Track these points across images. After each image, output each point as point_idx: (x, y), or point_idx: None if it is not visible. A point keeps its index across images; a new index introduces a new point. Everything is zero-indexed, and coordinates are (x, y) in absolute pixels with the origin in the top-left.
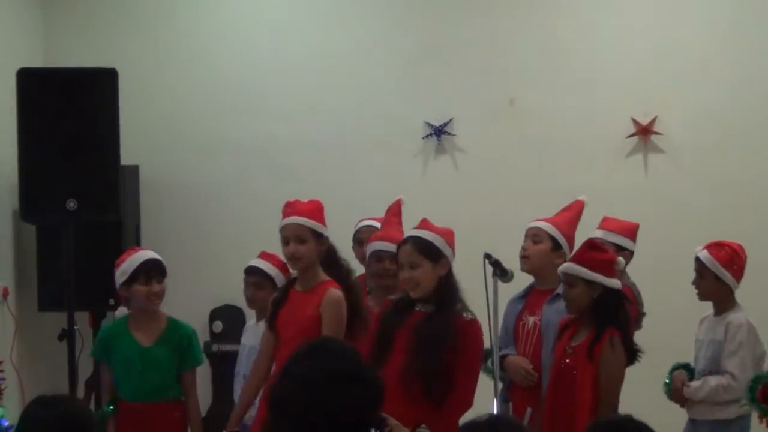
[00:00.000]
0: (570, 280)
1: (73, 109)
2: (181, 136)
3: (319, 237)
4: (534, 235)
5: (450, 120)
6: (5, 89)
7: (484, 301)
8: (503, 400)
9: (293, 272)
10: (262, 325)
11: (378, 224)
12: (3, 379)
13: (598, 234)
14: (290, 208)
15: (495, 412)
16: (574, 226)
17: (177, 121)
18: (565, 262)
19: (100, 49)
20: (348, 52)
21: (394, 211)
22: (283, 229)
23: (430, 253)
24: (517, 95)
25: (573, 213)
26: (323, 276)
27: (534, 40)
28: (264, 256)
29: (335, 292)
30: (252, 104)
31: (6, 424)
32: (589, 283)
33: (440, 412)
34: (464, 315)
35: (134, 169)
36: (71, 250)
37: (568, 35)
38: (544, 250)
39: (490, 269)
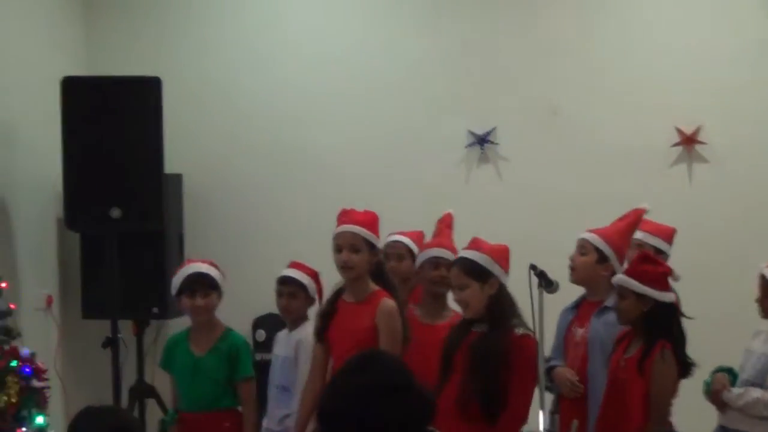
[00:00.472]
0: (622, 291)
1: (117, 118)
2: (225, 144)
3: (372, 248)
4: (581, 247)
5: (493, 129)
6: (50, 98)
7: (531, 312)
8: (552, 412)
9: (341, 281)
10: (294, 334)
11: (406, 239)
12: (48, 387)
13: (638, 236)
14: (346, 217)
15: (542, 424)
16: (626, 237)
17: (220, 130)
18: (613, 273)
19: (143, 57)
20: (392, 60)
21: (447, 223)
22: (338, 237)
23: (477, 273)
24: (560, 104)
25: (626, 223)
26: (373, 287)
27: (577, 48)
28: (295, 265)
29: (390, 303)
30: (296, 112)
31: None
32: (640, 296)
33: (495, 429)
34: (516, 331)
35: (177, 178)
36: (115, 258)
37: (611, 44)
38: (589, 262)
39: (535, 280)
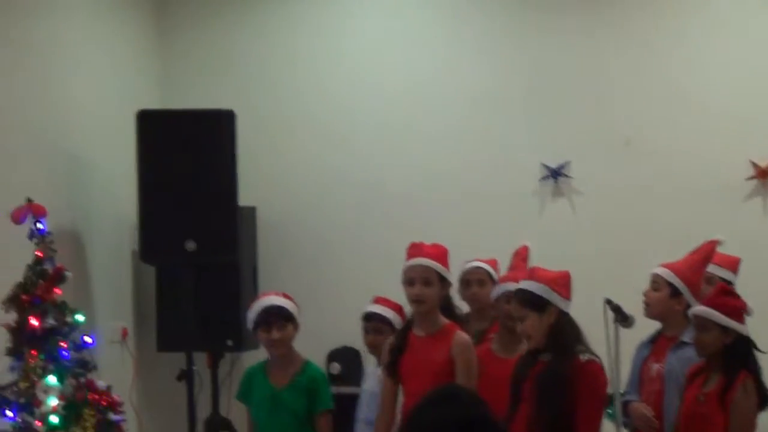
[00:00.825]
0: (703, 323)
1: (191, 151)
2: (298, 177)
3: (443, 281)
4: (654, 282)
5: (567, 162)
6: (125, 131)
7: (605, 346)
8: None
9: (408, 314)
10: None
11: (486, 266)
12: (124, 420)
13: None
14: (416, 250)
15: None
16: (699, 270)
17: (294, 162)
18: (688, 307)
19: (217, 90)
20: (467, 94)
21: (522, 256)
22: (409, 270)
23: (535, 304)
24: (633, 136)
25: (700, 256)
26: (444, 320)
27: (650, 79)
28: (380, 300)
29: (465, 336)
30: (369, 146)
31: None
32: (723, 328)
33: None
34: (581, 357)
35: (251, 211)
36: (190, 291)
37: (684, 75)
38: (662, 297)
39: (610, 314)
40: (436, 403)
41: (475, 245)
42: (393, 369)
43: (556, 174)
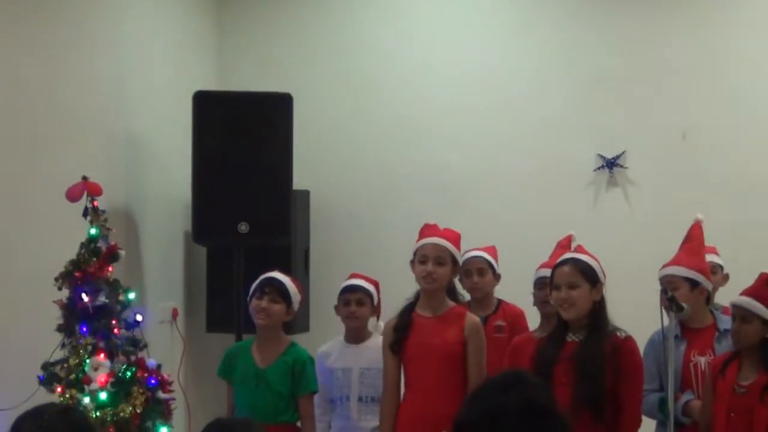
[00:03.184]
0: (745, 314)
1: (247, 133)
2: (352, 161)
3: (455, 263)
4: (670, 283)
5: (622, 153)
6: (182, 112)
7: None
8: None
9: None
10: (370, 345)
11: (483, 254)
12: (173, 399)
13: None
14: (430, 230)
15: None
16: (700, 254)
17: (348, 147)
18: (708, 293)
19: (273, 73)
20: (522, 82)
21: (563, 245)
22: (424, 248)
23: (589, 275)
24: (690, 129)
25: (694, 242)
26: (450, 302)
27: (708, 71)
28: (358, 276)
29: (476, 318)
30: (425, 133)
31: None
32: (765, 321)
33: None
34: (619, 334)
35: (305, 194)
36: (241, 272)
37: (742, 67)
38: (685, 294)
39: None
40: (502, 388)
41: (528, 235)
42: (397, 348)
43: (611, 164)
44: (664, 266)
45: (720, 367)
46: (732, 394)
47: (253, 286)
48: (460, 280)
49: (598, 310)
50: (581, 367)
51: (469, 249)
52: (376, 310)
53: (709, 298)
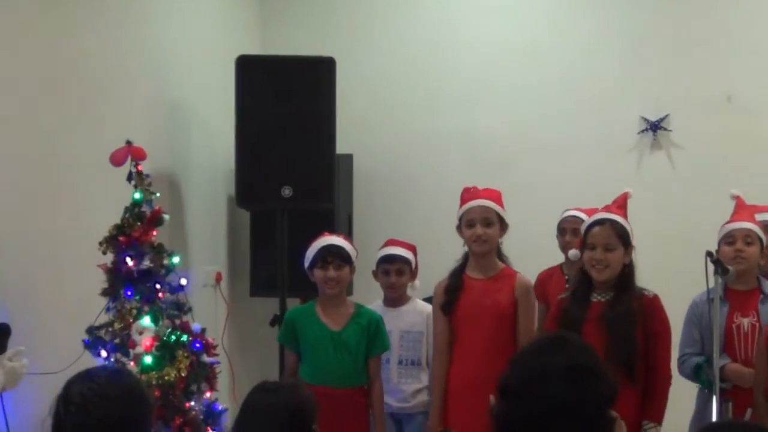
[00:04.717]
0: None
1: (290, 97)
2: (396, 126)
3: (502, 223)
4: (746, 236)
5: (666, 115)
6: (225, 76)
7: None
8: (725, 400)
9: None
10: (416, 309)
11: (583, 215)
12: (217, 362)
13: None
14: (472, 194)
15: (715, 411)
16: (756, 221)
17: (392, 111)
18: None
19: (316, 37)
20: (565, 45)
21: (620, 203)
22: (470, 212)
23: (625, 238)
24: (735, 92)
25: (747, 208)
26: (500, 263)
27: (754, 34)
28: (394, 242)
29: (527, 279)
30: (467, 98)
31: (219, 408)
32: None
33: (652, 394)
34: (647, 293)
35: (348, 158)
36: (285, 237)
37: None
38: (756, 252)
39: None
40: (546, 349)
41: (572, 198)
42: (449, 309)
43: (655, 127)
44: (732, 221)
45: None
46: None
47: (311, 255)
48: (557, 237)
49: (627, 272)
50: (612, 327)
51: (570, 207)
52: (413, 275)
53: None
